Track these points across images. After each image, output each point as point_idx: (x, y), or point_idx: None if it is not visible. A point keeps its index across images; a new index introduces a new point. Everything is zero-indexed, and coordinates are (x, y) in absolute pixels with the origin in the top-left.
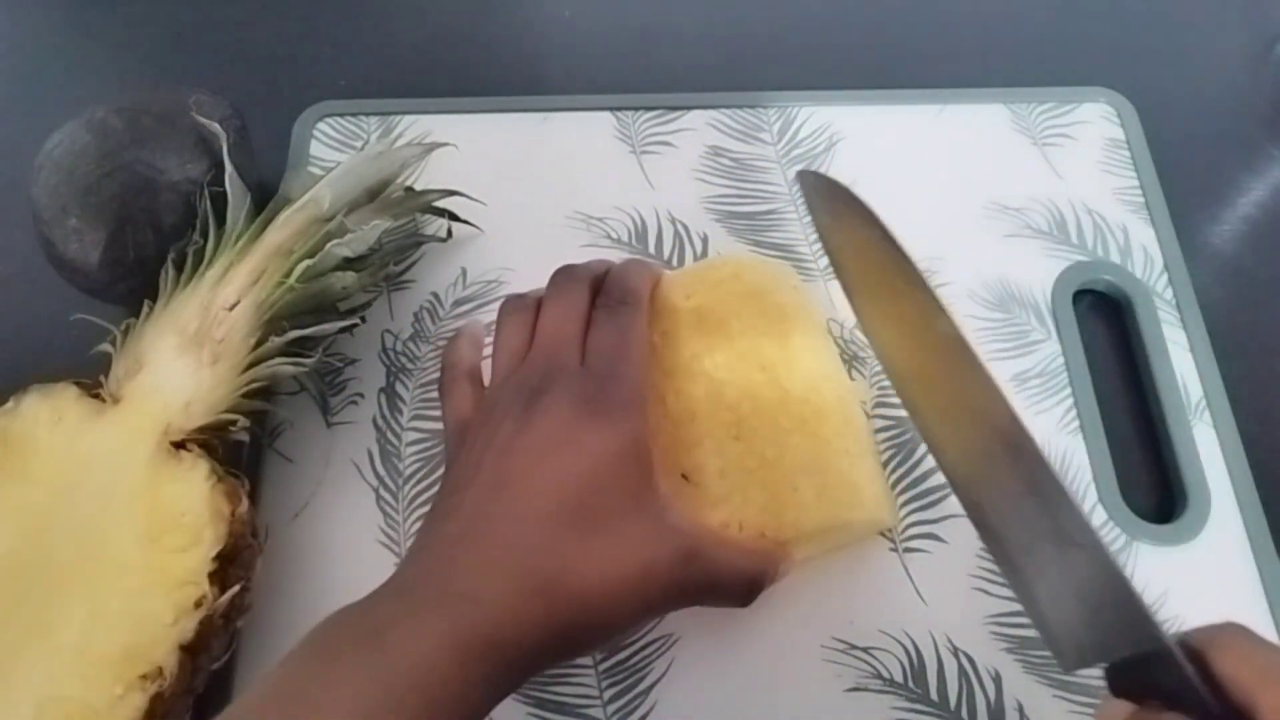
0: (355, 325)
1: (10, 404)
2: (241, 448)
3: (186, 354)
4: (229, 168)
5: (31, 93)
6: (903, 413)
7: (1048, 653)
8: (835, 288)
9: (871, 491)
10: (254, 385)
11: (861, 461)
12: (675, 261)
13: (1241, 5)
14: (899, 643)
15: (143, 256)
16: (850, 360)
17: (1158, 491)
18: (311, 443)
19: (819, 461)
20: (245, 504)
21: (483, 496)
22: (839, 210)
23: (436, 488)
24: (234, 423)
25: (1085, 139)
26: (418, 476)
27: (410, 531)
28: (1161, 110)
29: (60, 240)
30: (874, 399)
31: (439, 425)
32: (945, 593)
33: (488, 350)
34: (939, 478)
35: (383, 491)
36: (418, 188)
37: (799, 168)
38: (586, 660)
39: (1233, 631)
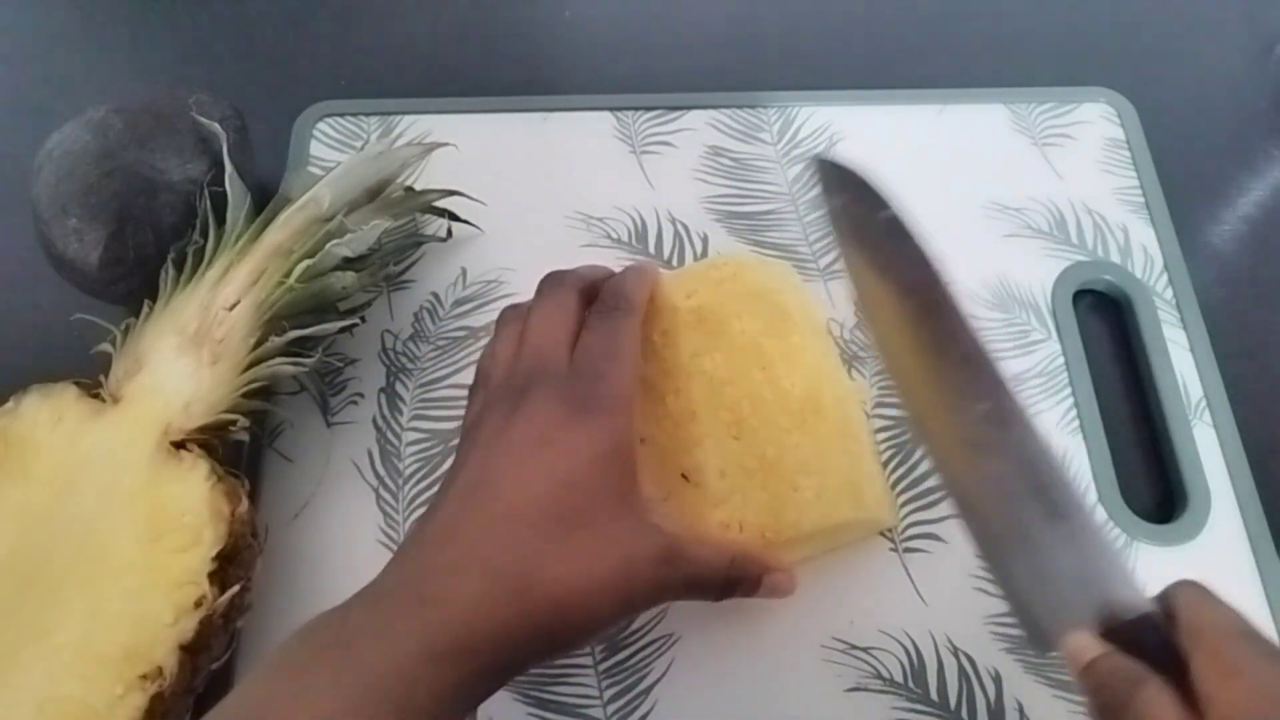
0: (355, 325)
1: (10, 404)
2: (241, 448)
3: (186, 354)
4: (229, 168)
5: (31, 93)
6: (900, 412)
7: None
8: (835, 287)
9: (872, 491)
10: (254, 385)
11: (861, 461)
12: (675, 261)
13: (1241, 5)
14: (899, 643)
15: (143, 256)
16: (850, 360)
17: (1158, 491)
18: (311, 443)
19: (819, 461)
20: (245, 504)
21: (458, 499)
22: (851, 193)
23: (436, 488)
24: (234, 423)
25: (1085, 139)
26: (418, 476)
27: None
28: (1161, 110)
29: (60, 240)
30: (874, 399)
31: (439, 425)
32: (945, 593)
33: None
34: (935, 478)
35: (383, 491)
36: (418, 188)
37: (797, 168)
38: (586, 660)
39: (1184, 590)
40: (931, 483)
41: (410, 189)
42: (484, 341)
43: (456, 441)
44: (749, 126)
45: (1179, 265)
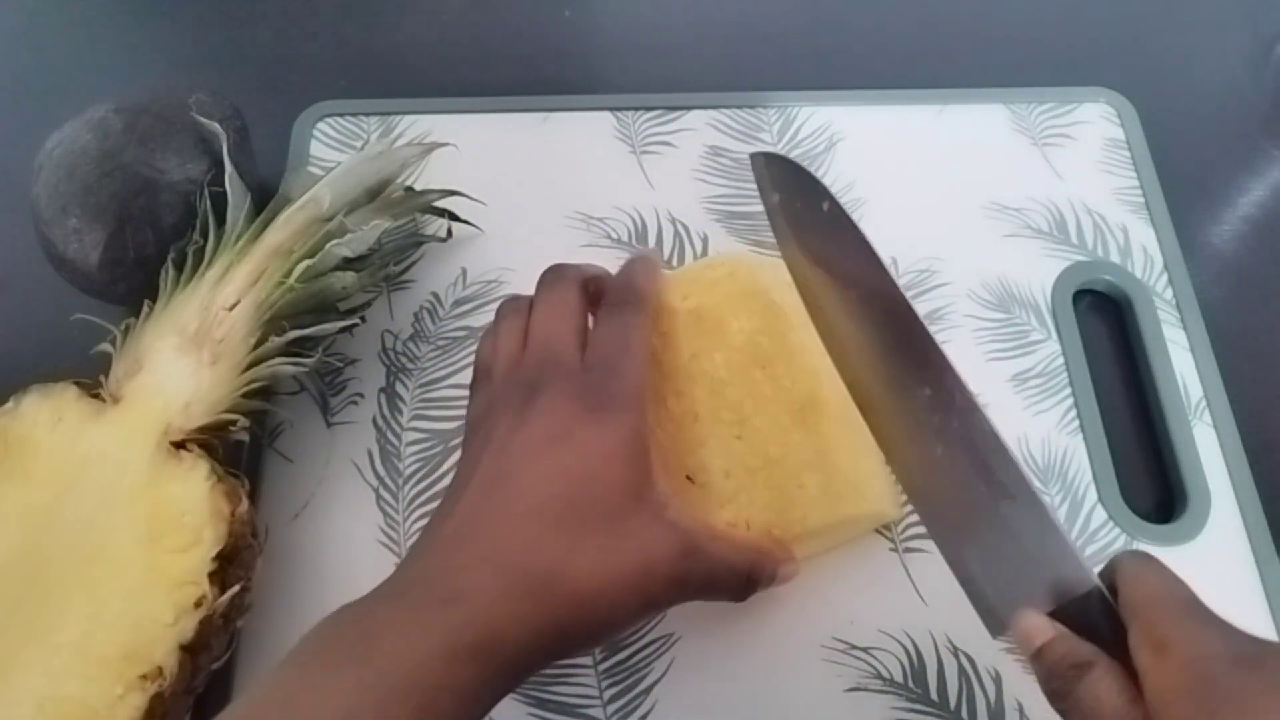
0: (355, 325)
1: (10, 404)
2: (241, 448)
3: (186, 354)
4: (229, 167)
5: (31, 93)
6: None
7: None
8: None
9: (875, 485)
10: (254, 385)
11: (864, 456)
12: (675, 261)
13: (1241, 5)
14: (899, 643)
15: (142, 256)
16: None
17: (1158, 491)
18: (311, 443)
19: (823, 457)
20: (245, 504)
21: (478, 495)
22: (790, 188)
23: (436, 488)
24: (234, 423)
25: (1085, 139)
26: (418, 476)
27: (410, 531)
28: (1161, 110)
29: (60, 240)
30: None
31: (439, 425)
32: (945, 593)
33: None
34: None
35: (383, 491)
36: (418, 188)
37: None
38: (586, 660)
39: (1125, 562)
40: None
41: (410, 189)
42: None
43: (457, 441)
44: (749, 127)
45: (1179, 265)
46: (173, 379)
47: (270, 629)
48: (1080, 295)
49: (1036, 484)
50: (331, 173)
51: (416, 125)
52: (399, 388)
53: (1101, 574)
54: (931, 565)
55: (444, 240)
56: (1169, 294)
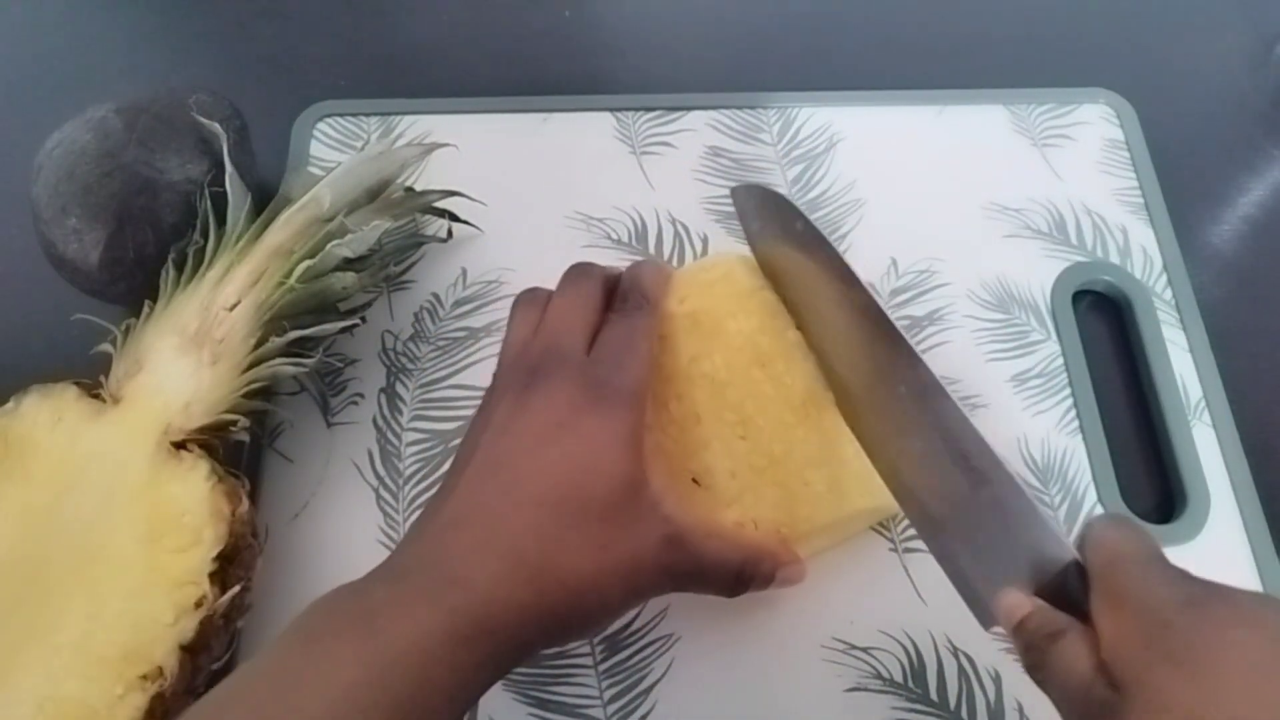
0: (355, 325)
1: (10, 404)
2: (242, 448)
3: (187, 354)
4: (229, 168)
5: (31, 93)
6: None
7: None
8: None
9: (880, 478)
10: (254, 385)
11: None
12: (675, 262)
13: (1241, 5)
14: (899, 643)
15: (142, 256)
16: None
17: (1157, 491)
18: (312, 443)
19: (826, 453)
20: (245, 504)
21: (476, 479)
22: (768, 215)
23: (436, 487)
24: (234, 423)
25: (1084, 140)
26: (418, 477)
27: None
28: (1161, 111)
29: (60, 240)
30: None
31: (439, 426)
32: (945, 593)
33: None
34: None
35: (383, 492)
36: (418, 188)
37: (797, 169)
38: (586, 660)
39: (1093, 527)
40: None
41: (410, 189)
42: (484, 341)
43: (457, 442)
44: (749, 127)
45: (1178, 266)
46: (173, 379)
47: (270, 629)
48: (1080, 296)
49: (1010, 465)
50: (332, 173)
51: (416, 125)
52: (399, 388)
53: (1077, 543)
54: (931, 565)
55: (444, 241)
56: (1168, 294)
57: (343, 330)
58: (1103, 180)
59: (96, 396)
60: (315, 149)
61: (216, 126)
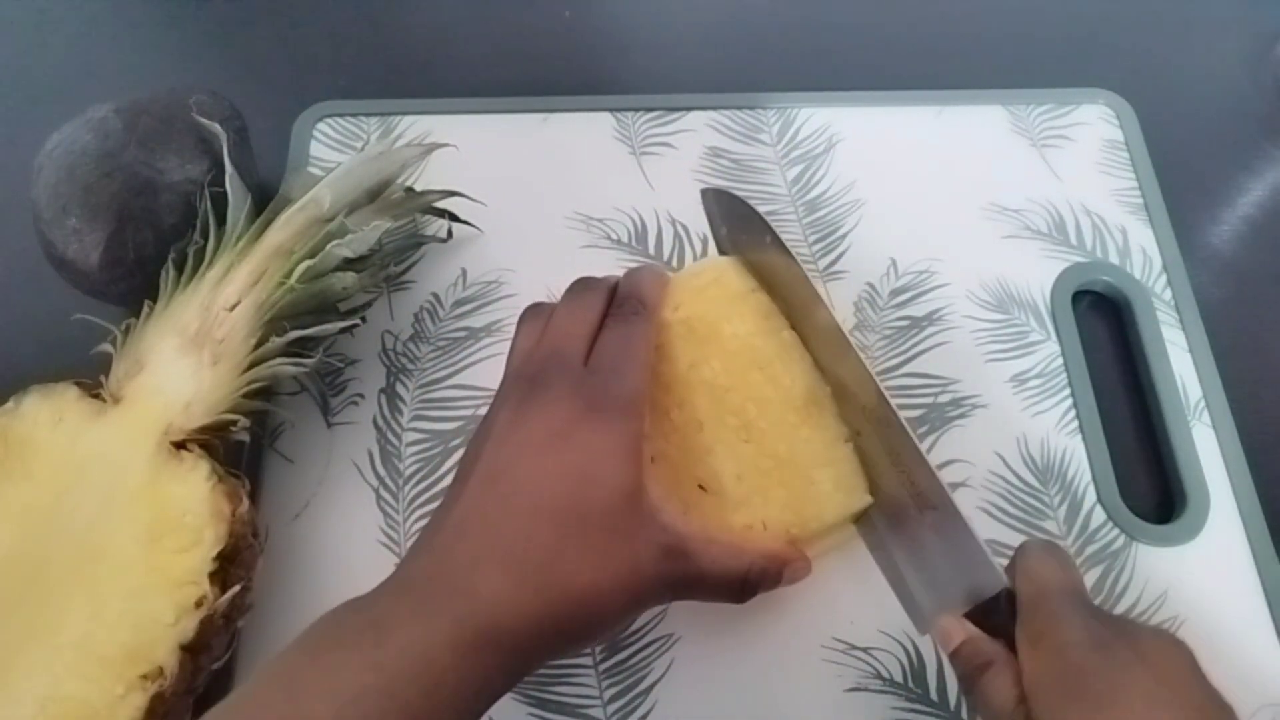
0: (356, 326)
1: (11, 404)
2: (242, 448)
3: (187, 354)
4: (229, 168)
5: (31, 93)
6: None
7: None
8: (835, 288)
9: None
10: (254, 385)
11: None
12: (675, 262)
13: (1241, 5)
14: (899, 643)
15: (142, 257)
16: None
17: (1157, 492)
18: (312, 443)
19: (831, 451)
20: (246, 504)
21: (478, 489)
22: (737, 221)
23: (436, 488)
24: (234, 423)
25: (1084, 140)
26: (418, 477)
27: (410, 531)
28: (1160, 111)
29: (60, 240)
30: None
31: (439, 426)
32: None
33: None
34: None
35: (383, 492)
36: (418, 188)
37: (797, 169)
38: (586, 660)
39: (1020, 557)
40: None
41: (410, 190)
42: (484, 341)
43: (457, 442)
44: (748, 128)
45: (1178, 266)
46: (173, 379)
47: (271, 629)
48: (1079, 296)
49: (952, 493)
50: (332, 173)
51: (416, 126)
52: (399, 388)
53: (1008, 569)
54: None
55: (444, 241)
56: (1168, 295)
57: (343, 330)
58: (1102, 180)
59: (97, 396)
60: (315, 149)
61: (216, 127)
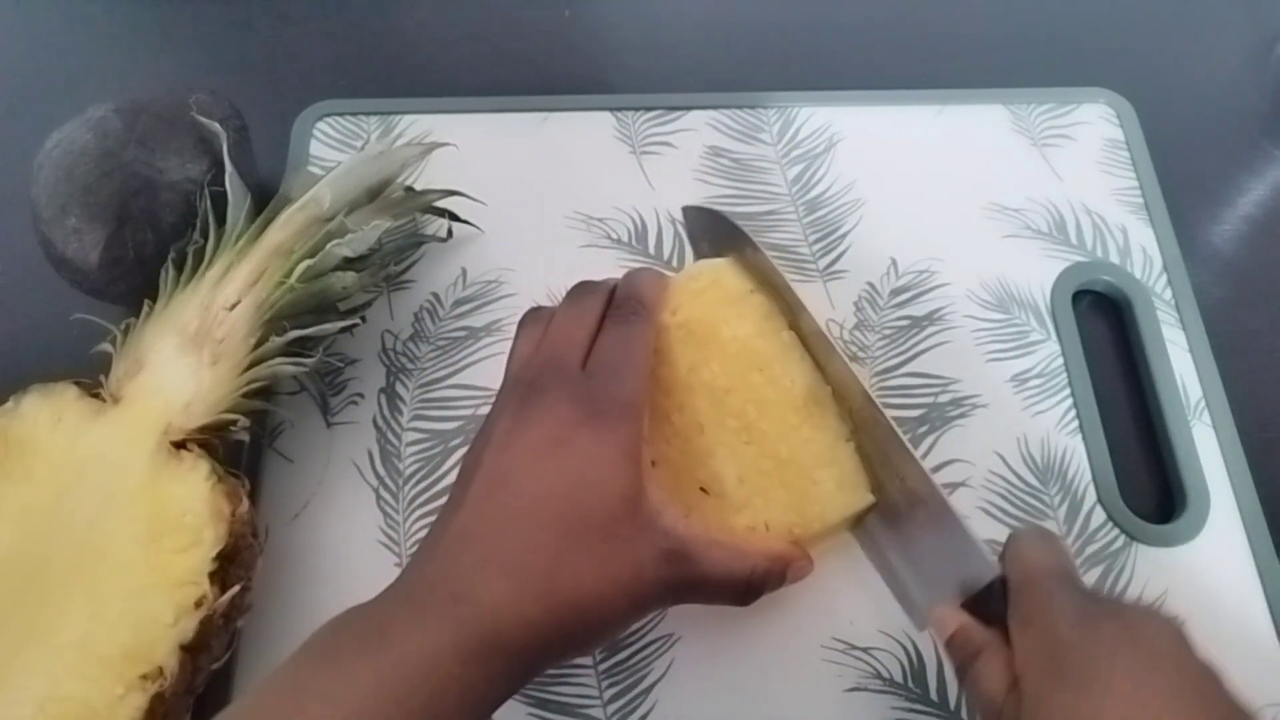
0: (355, 325)
1: (10, 404)
2: (242, 448)
3: (187, 354)
4: (229, 167)
5: (31, 93)
6: (899, 413)
7: None
8: (835, 288)
9: None
10: (254, 385)
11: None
12: (675, 263)
13: (1241, 5)
14: (899, 643)
15: (142, 256)
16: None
17: (1157, 491)
18: (312, 443)
19: (832, 451)
20: (245, 504)
21: (479, 496)
22: (718, 236)
23: (436, 488)
24: (234, 423)
25: (1084, 140)
26: (418, 477)
27: (410, 531)
28: (1161, 111)
29: (60, 240)
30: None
31: (439, 426)
32: None
33: None
34: (937, 476)
35: (383, 492)
36: (418, 188)
37: (797, 169)
38: (586, 660)
39: (1011, 544)
40: None
41: (410, 189)
42: (484, 341)
43: (457, 442)
44: (749, 127)
45: (1178, 266)
46: (173, 379)
47: (270, 629)
48: (1080, 296)
49: (940, 488)
50: (332, 172)
51: (416, 125)
52: (399, 388)
53: (1000, 557)
54: None
55: (444, 240)
56: (1168, 294)
57: (343, 330)
58: (1103, 180)
59: (96, 396)
60: (315, 149)
61: (216, 126)
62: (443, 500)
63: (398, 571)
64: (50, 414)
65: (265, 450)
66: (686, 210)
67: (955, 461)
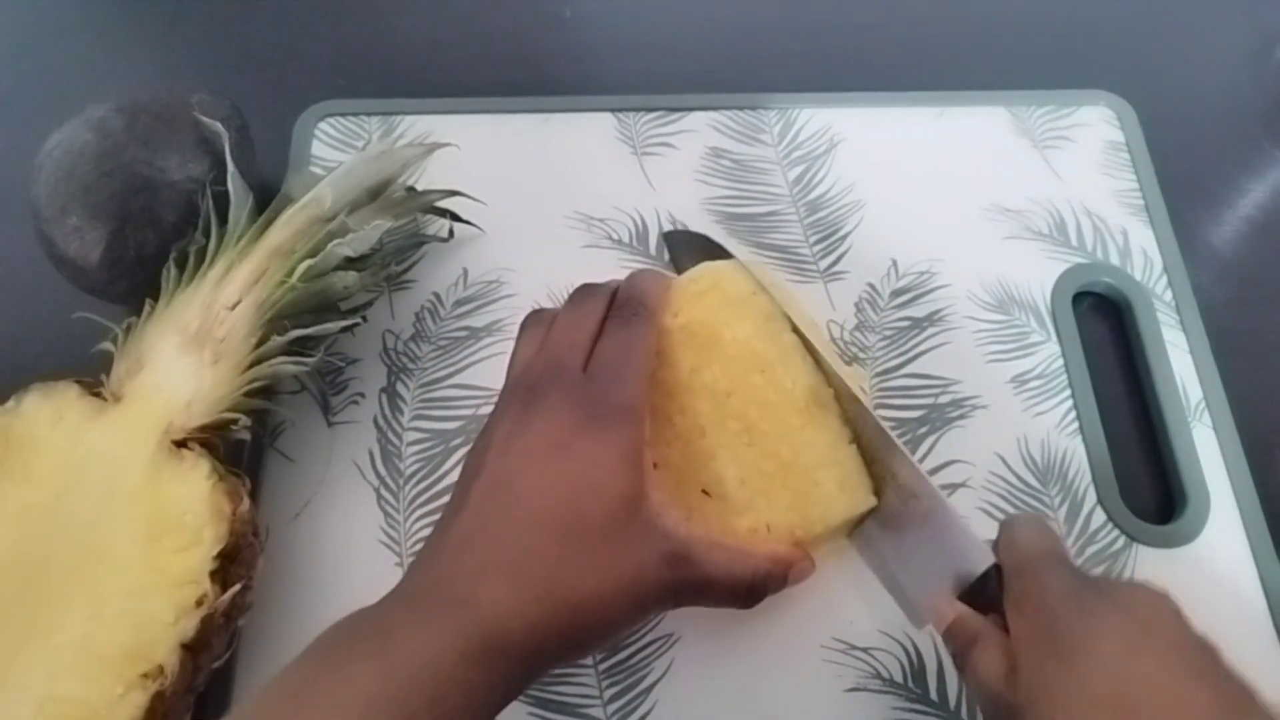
0: (356, 325)
1: (11, 403)
2: (242, 447)
3: (188, 353)
4: (231, 167)
5: (31, 93)
6: (899, 413)
7: None
8: (835, 289)
9: None
10: (255, 384)
11: None
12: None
13: (1241, 6)
14: (899, 643)
15: (143, 255)
16: (850, 363)
17: (1158, 492)
18: (312, 442)
19: (834, 452)
20: (246, 503)
21: (480, 499)
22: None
23: (437, 488)
24: (235, 422)
25: (1085, 141)
26: (418, 476)
27: (411, 531)
28: (1161, 112)
29: (61, 239)
30: (873, 388)
31: (440, 425)
32: None
33: None
34: (937, 477)
35: (383, 491)
36: (419, 188)
37: (798, 170)
38: (586, 660)
39: (1004, 531)
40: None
41: (412, 189)
42: (485, 341)
43: (458, 442)
44: (750, 128)
45: (1178, 267)
46: (174, 378)
47: (271, 628)
48: (1080, 297)
49: (932, 481)
50: (333, 172)
51: (417, 125)
52: (400, 388)
53: (994, 546)
54: None
55: (445, 240)
56: (1168, 296)
57: (344, 329)
58: (1103, 182)
59: (97, 395)
60: (316, 149)
61: (218, 125)
62: (443, 500)
63: (398, 571)
64: (51, 413)
65: (266, 449)
66: (667, 235)
67: (955, 462)
